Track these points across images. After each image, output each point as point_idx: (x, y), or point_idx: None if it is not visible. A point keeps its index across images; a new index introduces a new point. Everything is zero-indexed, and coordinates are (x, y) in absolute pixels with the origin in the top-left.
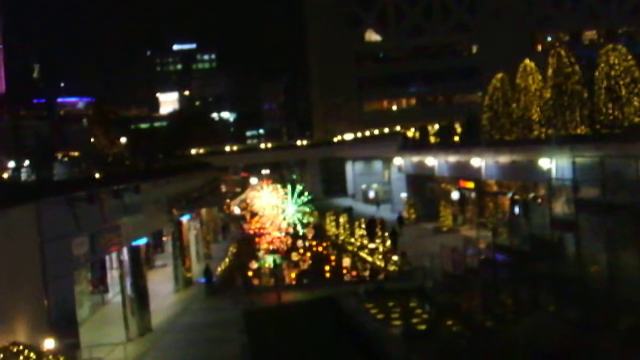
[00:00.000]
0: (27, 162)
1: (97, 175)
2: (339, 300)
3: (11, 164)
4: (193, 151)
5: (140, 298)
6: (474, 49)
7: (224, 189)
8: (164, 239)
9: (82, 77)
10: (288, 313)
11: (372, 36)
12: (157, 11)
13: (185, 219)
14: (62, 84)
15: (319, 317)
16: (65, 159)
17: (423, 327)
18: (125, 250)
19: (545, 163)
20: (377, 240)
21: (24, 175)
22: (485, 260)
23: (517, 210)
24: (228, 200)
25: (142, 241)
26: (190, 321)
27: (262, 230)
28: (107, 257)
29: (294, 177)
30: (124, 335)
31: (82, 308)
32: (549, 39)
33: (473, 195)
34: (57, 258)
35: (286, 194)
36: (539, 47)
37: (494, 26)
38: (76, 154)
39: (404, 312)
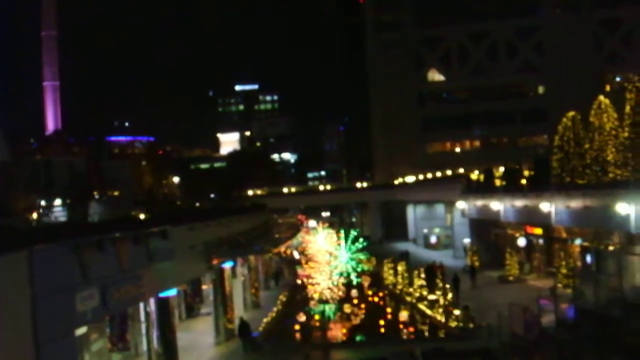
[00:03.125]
0: (58, 201)
1: (140, 216)
2: None
3: (42, 203)
4: (250, 192)
5: (168, 354)
6: (540, 89)
7: (278, 233)
8: (204, 287)
9: (144, 116)
10: None
11: (436, 76)
12: (220, 52)
13: (228, 265)
14: (116, 123)
15: None
16: (102, 197)
17: None
18: (152, 302)
19: (622, 209)
20: (438, 292)
21: (54, 216)
22: (564, 324)
23: (588, 259)
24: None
25: (171, 292)
26: None
27: (311, 279)
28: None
29: (354, 220)
30: None
31: None
32: (618, 79)
33: (541, 242)
34: (54, 315)
35: (340, 239)
36: (608, 88)
37: (561, 66)
38: (116, 193)
39: None
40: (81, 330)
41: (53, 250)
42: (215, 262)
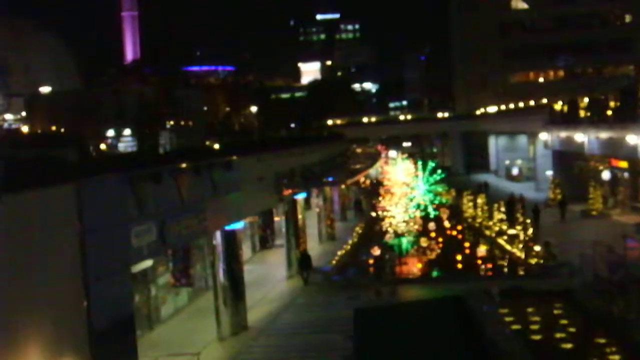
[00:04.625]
0: (127, 131)
1: (214, 146)
2: (467, 303)
3: (110, 133)
4: (330, 122)
5: (234, 289)
6: (627, 18)
7: (355, 163)
8: (276, 218)
9: (225, 47)
10: (405, 315)
11: (519, 4)
12: None
13: (300, 197)
14: (198, 53)
15: (441, 323)
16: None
17: (569, 345)
18: (218, 235)
19: None
20: (518, 227)
21: (123, 145)
22: None
23: None
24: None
25: (238, 225)
26: (292, 319)
27: (387, 211)
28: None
29: (434, 150)
30: (214, 333)
31: (166, 305)
32: None
33: (626, 175)
34: (106, 251)
35: (418, 170)
36: None
37: None
38: (189, 123)
39: (546, 322)
40: (147, 263)
41: (104, 183)
42: (286, 193)
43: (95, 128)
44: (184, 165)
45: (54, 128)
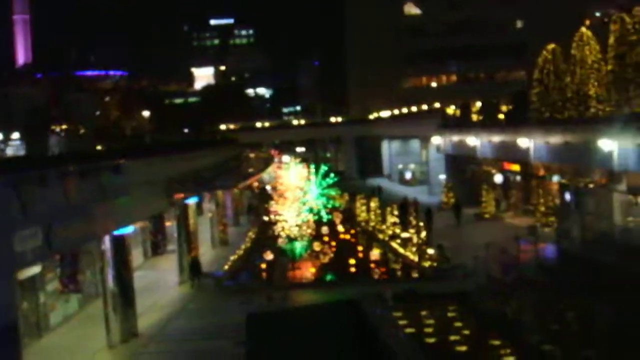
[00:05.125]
0: (16, 135)
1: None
2: (361, 307)
3: None
4: (223, 127)
5: (124, 295)
6: (518, 24)
7: (248, 167)
8: (167, 223)
9: (119, 51)
10: (298, 319)
11: (412, 9)
12: None
13: (192, 201)
14: (92, 58)
15: (335, 327)
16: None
17: (463, 348)
18: (107, 240)
19: (605, 145)
20: (411, 230)
21: (11, 150)
22: (544, 266)
23: (567, 197)
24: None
25: (127, 230)
26: (183, 325)
27: (279, 215)
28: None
29: (328, 155)
30: (104, 340)
31: (55, 312)
32: (598, 14)
33: (518, 178)
34: None
35: (310, 174)
36: (588, 23)
37: (540, 0)
38: (80, 127)
39: (440, 325)
40: (34, 270)
41: None
42: (177, 197)
43: None
44: (70, 168)
45: None
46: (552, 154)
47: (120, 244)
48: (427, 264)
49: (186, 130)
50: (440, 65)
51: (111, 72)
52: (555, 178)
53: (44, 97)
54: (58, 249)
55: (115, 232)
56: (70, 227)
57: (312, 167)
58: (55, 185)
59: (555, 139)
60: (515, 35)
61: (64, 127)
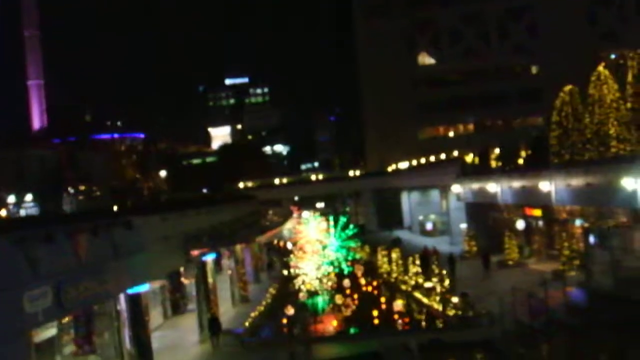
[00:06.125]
0: (29, 196)
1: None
2: (385, 358)
3: (11, 199)
4: (241, 185)
5: (142, 355)
6: (534, 69)
7: (268, 222)
8: (184, 281)
9: (135, 114)
10: None
11: (426, 59)
12: (209, 46)
13: (209, 258)
14: (108, 123)
15: None
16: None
17: None
18: (122, 299)
19: (628, 184)
20: (434, 279)
21: (25, 212)
22: (575, 308)
23: (592, 239)
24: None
25: (143, 288)
26: None
27: (299, 269)
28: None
29: (347, 209)
30: None
31: None
32: (613, 56)
33: (540, 223)
34: None
35: (330, 227)
36: (603, 65)
37: (554, 45)
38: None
39: None
40: (51, 331)
41: None
42: (193, 254)
43: None
44: (80, 225)
45: None
46: (574, 197)
47: (136, 303)
48: (451, 312)
49: (205, 190)
50: (457, 114)
51: (129, 135)
52: (578, 222)
53: (56, 158)
54: (70, 308)
55: (130, 291)
56: (81, 286)
57: (331, 219)
58: (64, 243)
59: (577, 181)
60: (531, 81)
61: (80, 187)
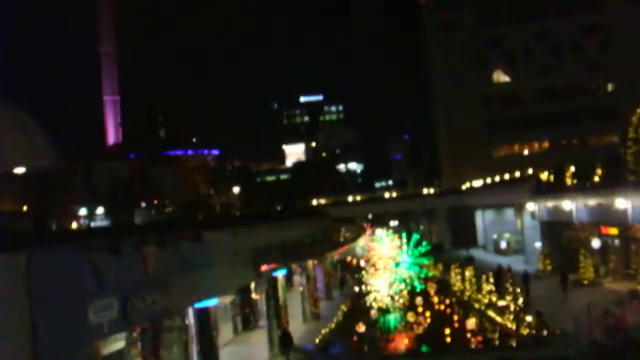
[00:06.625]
0: (100, 209)
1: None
2: None
3: (83, 212)
4: (314, 202)
5: None
6: (609, 87)
7: (340, 238)
8: (255, 296)
9: (210, 131)
10: None
11: (501, 77)
12: (284, 64)
13: (280, 274)
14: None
15: None
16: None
17: None
18: (191, 314)
19: None
20: (508, 297)
21: (96, 225)
22: None
23: None
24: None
25: (211, 302)
26: None
27: (371, 286)
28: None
29: (421, 228)
30: None
31: None
32: None
33: (617, 242)
34: (59, 328)
35: (402, 244)
36: None
37: (629, 62)
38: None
39: None
40: (118, 345)
41: (57, 254)
42: (263, 269)
43: (65, 207)
44: (147, 237)
45: (25, 208)
46: None
47: (204, 318)
48: (525, 331)
49: (278, 208)
50: (531, 132)
51: (203, 151)
52: None
53: (127, 172)
54: (136, 321)
55: (198, 305)
56: (148, 299)
57: (404, 236)
58: (132, 254)
59: None
60: (606, 99)
61: (154, 202)
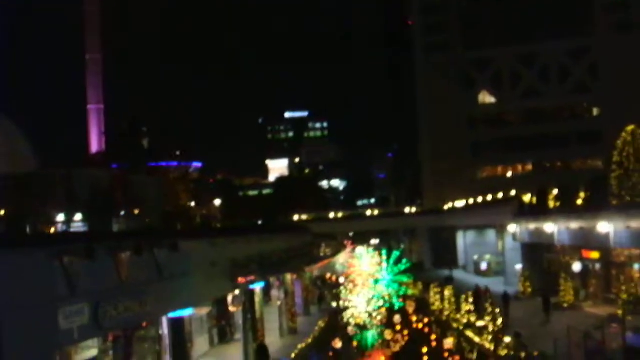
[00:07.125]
0: (79, 216)
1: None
2: None
3: (61, 217)
4: (296, 217)
5: None
6: (595, 111)
7: (320, 253)
8: (232, 309)
9: (194, 144)
10: None
11: (486, 98)
12: (269, 80)
13: (257, 286)
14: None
15: None
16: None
17: None
18: (164, 323)
19: None
20: (487, 318)
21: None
22: (633, 351)
23: None
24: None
25: (186, 312)
26: None
27: (349, 302)
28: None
29: (402, 246)
30: None
31: None
32: None
33: (598, 267)
34: (27, 333)
35: (382, 261)
36: None
37: (615, 87)
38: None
39: None
40: (91, 353)
41: (26, 257)
42: (241, 281)
43: (43, 212)
44: (122, 242)
45: (2, 212)
46: (633, 239)
47: (179, 328)
48: (503, 352)
49: (260, 222)
50: (515, 154)
51: (185, 164)
52: (637, 266)
53: (108, 180)
54: (108, 328)
55: (173, 315)
56: (121, 306)
57: (384, 253)
58: (106, 260)
59: (637, 224)
60: (591, 122)
61: (134, 211)
